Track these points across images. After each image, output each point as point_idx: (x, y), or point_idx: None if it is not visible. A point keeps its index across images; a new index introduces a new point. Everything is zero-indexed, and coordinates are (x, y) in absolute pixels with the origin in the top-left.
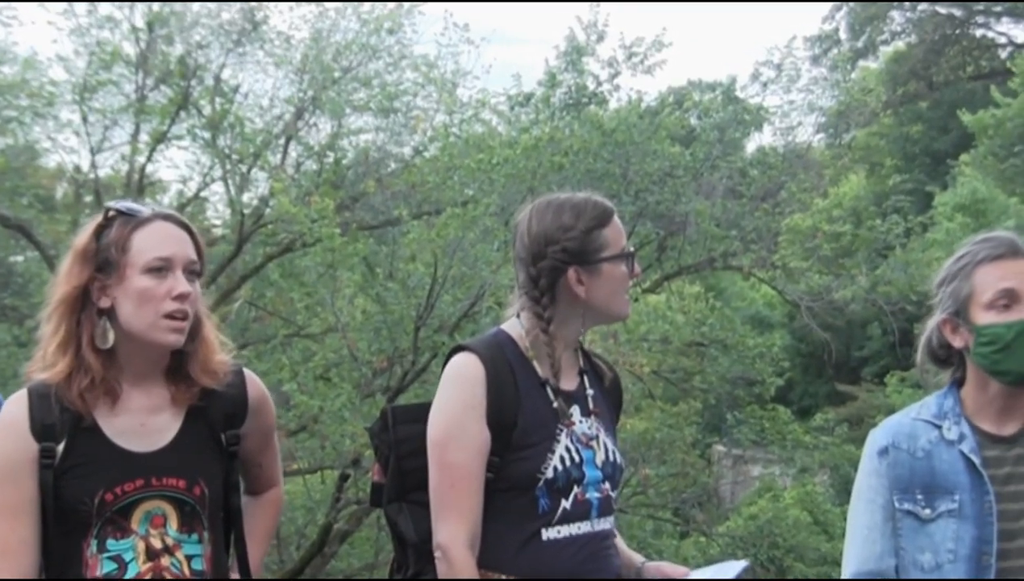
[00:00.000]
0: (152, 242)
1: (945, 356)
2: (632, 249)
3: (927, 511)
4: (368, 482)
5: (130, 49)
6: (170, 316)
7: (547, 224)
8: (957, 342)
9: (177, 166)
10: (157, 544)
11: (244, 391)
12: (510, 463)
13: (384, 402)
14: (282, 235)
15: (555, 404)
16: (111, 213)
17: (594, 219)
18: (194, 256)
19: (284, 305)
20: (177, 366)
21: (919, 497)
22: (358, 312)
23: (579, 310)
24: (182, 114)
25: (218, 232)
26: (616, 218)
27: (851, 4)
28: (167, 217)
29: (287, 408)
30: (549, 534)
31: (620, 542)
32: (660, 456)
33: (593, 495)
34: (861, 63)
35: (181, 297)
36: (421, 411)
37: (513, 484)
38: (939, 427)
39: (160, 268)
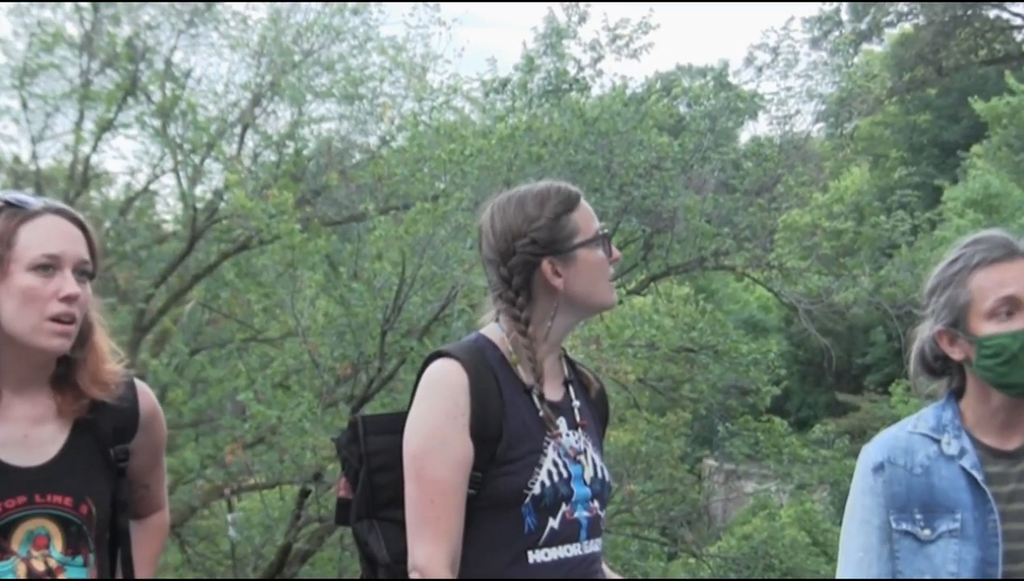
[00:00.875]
0: (40, 238)
1: (941, 368)
2: (606, 230)
3: (926, 531)
4: (331, 498)
5: (73, 30)
6: (56, 319)
7: (511, 218)
8: (956, 354)
9: (125, 157)
10: (39, 566)
11: (135, 404)
12: (494, 478)
13: (348, 412)
14: (238, 231)
15: (541, 413)
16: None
17: (560, 205)
18: (86, 255)
19: (240, 307)
20: (64, 374)
21: (918, 516)
22: (320, 315)
23: (560, 305)
24: (130, 100)
25: (169, 228)
26: (584, 201)
27: None
28: (59, 211)
29: (243, 419)
30: (536, 557)
31: (604, 566)
32: (646, 471)
33: (582, 514)
34: (864, 46)
35: (68, 298)
36: (394, 421)
37: (497, 501)
38: (938, 441)
39: (47, 266)
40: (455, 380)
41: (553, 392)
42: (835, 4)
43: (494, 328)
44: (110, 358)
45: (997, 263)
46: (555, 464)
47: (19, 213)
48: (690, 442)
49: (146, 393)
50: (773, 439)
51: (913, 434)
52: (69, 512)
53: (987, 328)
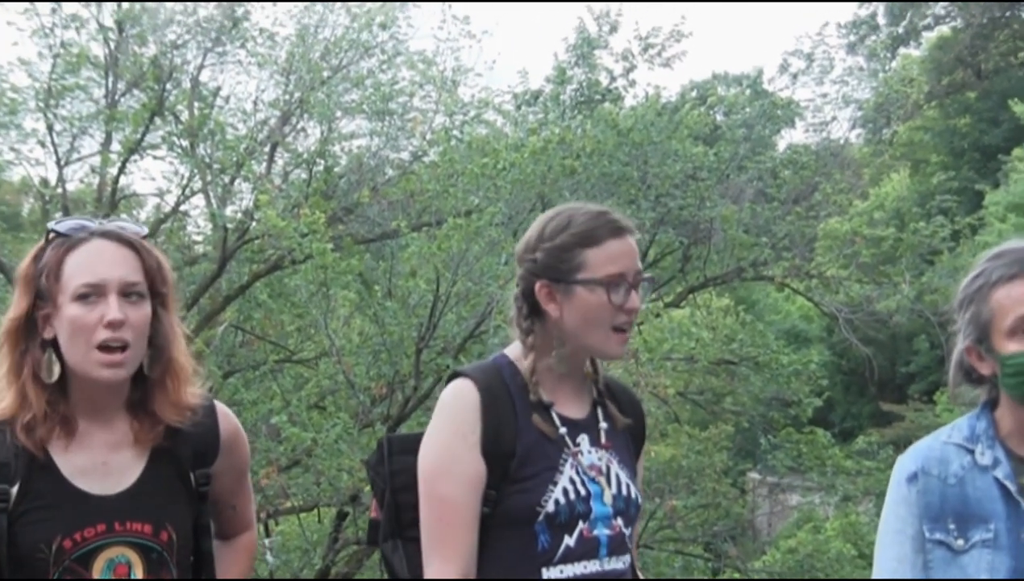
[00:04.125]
0: (81, 266)
1: (978, 377)
2: (623, 274)
3: (960, 541)
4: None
5: (99, 51)
6: (104, 347)
7: (533, 231)
8: (984, 369)
9: (153, 178)
10: None
11: (216, 427)
12: (508, 496)
13: (384, 432)
14: (269, 251)
15: (560, 431)
16: (51, 234)
17: (575, 237)
18: (134, 277)
19: (273, 328)
20: (140, 399)
21: (951, 527)
22: (354, 334)
23: (556, 332)
24: (157, 121)
25: (199, 249)
26: (615, 241)
27: None
28: (106, 234)
29: (278, 442)
30: (551, 573)
31: None
32: (688, 486)
33: (602, 532)
34: (902, 50)
35: (112, 324)
36: (417, 441)
37: (511, 519)
38: (972, 451)
39: (88, 294)
40: (466, 399)
41: (577, 410)
42: (871, 9)
43: (516, 346)
44: (189, 381)
45: (1015, 280)
46: (572, 482)
47: (65, 242)
48: (732, 455)
49: (227, 416)
50: (816, 451)
51: (947, 444)
52: (149, 540)
53: (1009, 346)
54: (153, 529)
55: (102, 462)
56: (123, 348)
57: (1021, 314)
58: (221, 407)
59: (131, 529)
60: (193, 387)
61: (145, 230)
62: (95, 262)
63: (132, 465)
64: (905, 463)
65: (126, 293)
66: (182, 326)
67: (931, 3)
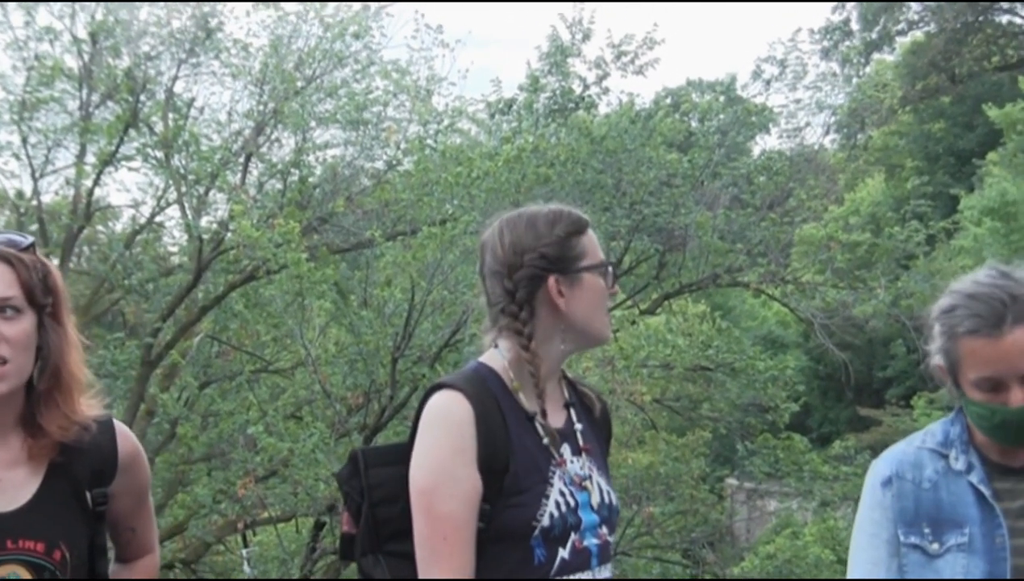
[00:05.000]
0: None
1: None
2: (611, 262)
3: (935, 545)
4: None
5: (72, 63)
6: None
7: (521, 232)
8: (952, 391)
9: (128, 189)
10: None
11: (114, 445)
12: (502, 511)
13: (361, 441)
14: (245, 262)
15: (545, 441)
16: None
17: (571, 225)
18: (6, 291)
19: (249, 338)
20: (31, 413)
21: (926, 531)
22: (330, 344)
23: (559, 326)
24: (131, 132)
25: (175, 260)
26: (591, 230)
27: None
28: None
29: (255, 452)
30: None
31: None
32: (666, 492)
33: (591, 541)
34: (876, 56)
35: None
36: (394, 453)
37: (506, 534)
38: (945, 456)
39: None
40: (460, 413)
41: (555, 418)
42: (844, 14)
43: (494, 354)
44: (80, 393)
45: (978, 337)
46: (562, 493)
47: None
48: (710, 462)
49: (125, 435)
50: (793, 456)
51: (921, 449)
52: (42, 558)
53: (973, 394)
54: (46, 547)
55: None
56: (1, 363)
57: (985, 375)
58: (120, 425)
59: (23, 547)
60: (88, 401)
61: (26, 241)
62: None
63: (27, 482)
64: (879, 467)
65: (1, 308)
66: (77, 336)
67: (905, 7)
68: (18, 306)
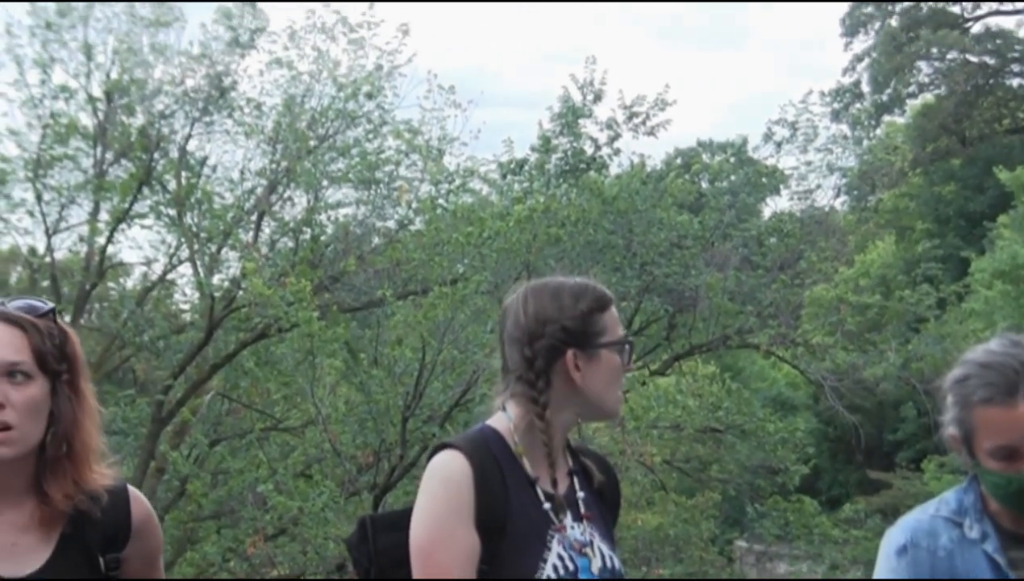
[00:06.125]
0: None
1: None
2: (631, 340)
3: None
4: None
5: (87, 121)
6: None
7: (546, 303)
8: (967, 461)
9: (141, 247)
10: None
11: (127, 511)
12: (499, 572)
13: (371, 500)
14: (256, 320)
15: (546, 506)
16: None
17: (595, 301)
18: (15, 357)
19: (260, 396)
20: (39, 480)
21: None
22: (340, 402)
23: (572, 400)
24: (145, 190)
25: (187, 317)
26: (613, 307)
27: (874, 55)
28: None
29: (264, 510)
30: None
31: None
32: (675, 554)
33: None
34: (886, 118)
35: None
36: (402, 518)
37: None
38: (960, 525)
39: None
40: (459, 472)
41: (559, 484)
42: (854, 77)
43: (501, 418)
44: (92, 461)
45: (993, 406)
46: (560, 557)
47: None
48: (719, 524)
49: (139, 500)
50: (803, 519)
51: (936, 517)
52: None
53: (988, 463)
54: None
55: (12, 543)
56: (5, 428)
57: (1000, 444)
58: (133, 491)
59: None
60: (101, 469)
61: (45, 307)
62: None
63: (39, 548)
64: (894, 536)
65: (9, 373)
66: (94, 404)
67: (915, 69)
68: (28, 371)
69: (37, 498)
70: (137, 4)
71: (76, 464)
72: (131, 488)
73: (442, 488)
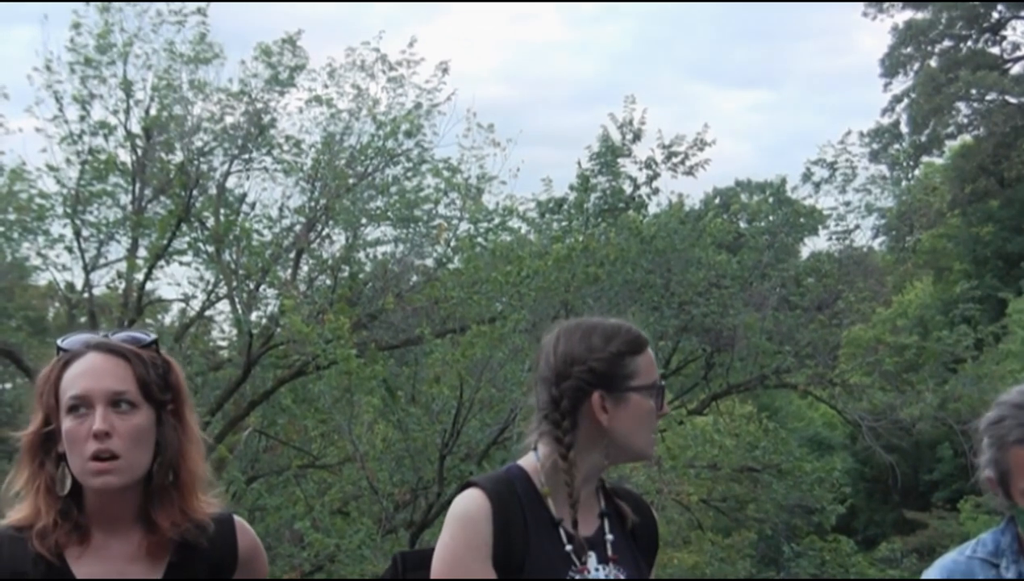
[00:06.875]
0: (72, 380)
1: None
2: (663, 383)
3: None
4: None
5: (126, 157)
6: (95, 457)
7: (575, 343)
8: (1003, 502)
9: (179, 283)
10: None
11: (234, 541)
12: None
13: (408, 537)
14: (294, 357)
15: (568, 548)
16: (58, 350)
17: (626, 344)
18: (120, 387)
19: (297, 433)
20: (148, 511)
21: None
22: (378, 440)
23: (600, 441)
24: (183, 227)
25: (224, 354)
26: (649, 350)
27: (913, 95)
28: (98, 346)
29: (301, 547)
30: None
31: None
32: None
33: None
34: (925, 158)
35: (98, 435)
36: (433, 555)
37: None
38: (996, 566)
39: (76, 407)
40: (478, 510)
41: (586, 526)
42: (893, 117)
43: (530, 457)
44: (199, 491)
45: None
46: None
47: (64, 357)
48: (756, 563)
49: (245, 530)
50: (840, 558)
51: (972, 558)
52: None
53: (1023, 503)
54: None
55: (119, 572)
56: (112, 457)
57: None
58: (240, 521)
59: None
60: (208, 499)
61: (148, 338)
62: (83, 375)
63: (148, 577)
64: (931, 576)
65: (115, 402)
66: (199, 433)
67: (954, 110)
68: (133, 401)
69: (144, 528)
70: (177, 40)
71: (183, 493)
72: (237, 518)
73: (460, 526)
